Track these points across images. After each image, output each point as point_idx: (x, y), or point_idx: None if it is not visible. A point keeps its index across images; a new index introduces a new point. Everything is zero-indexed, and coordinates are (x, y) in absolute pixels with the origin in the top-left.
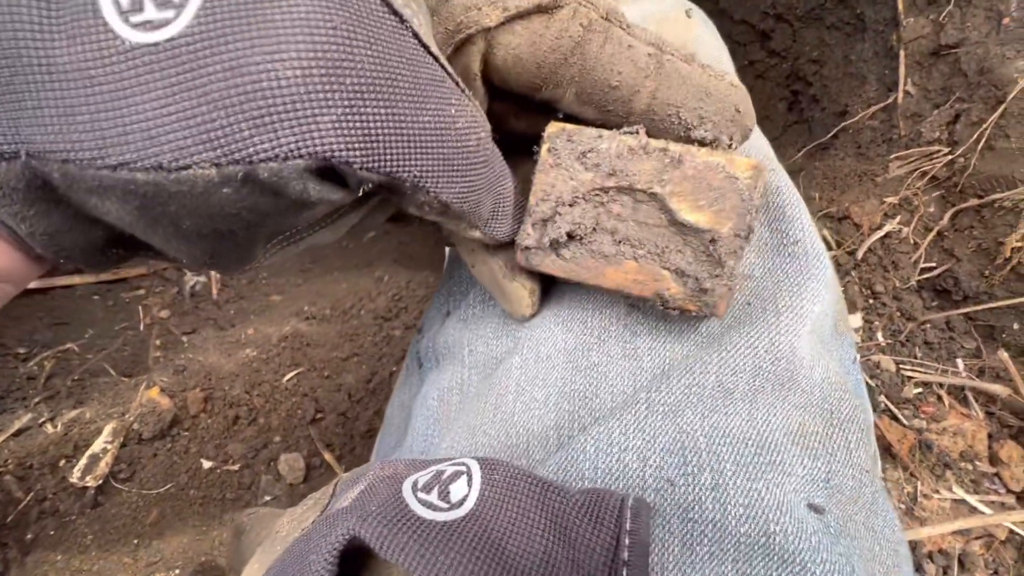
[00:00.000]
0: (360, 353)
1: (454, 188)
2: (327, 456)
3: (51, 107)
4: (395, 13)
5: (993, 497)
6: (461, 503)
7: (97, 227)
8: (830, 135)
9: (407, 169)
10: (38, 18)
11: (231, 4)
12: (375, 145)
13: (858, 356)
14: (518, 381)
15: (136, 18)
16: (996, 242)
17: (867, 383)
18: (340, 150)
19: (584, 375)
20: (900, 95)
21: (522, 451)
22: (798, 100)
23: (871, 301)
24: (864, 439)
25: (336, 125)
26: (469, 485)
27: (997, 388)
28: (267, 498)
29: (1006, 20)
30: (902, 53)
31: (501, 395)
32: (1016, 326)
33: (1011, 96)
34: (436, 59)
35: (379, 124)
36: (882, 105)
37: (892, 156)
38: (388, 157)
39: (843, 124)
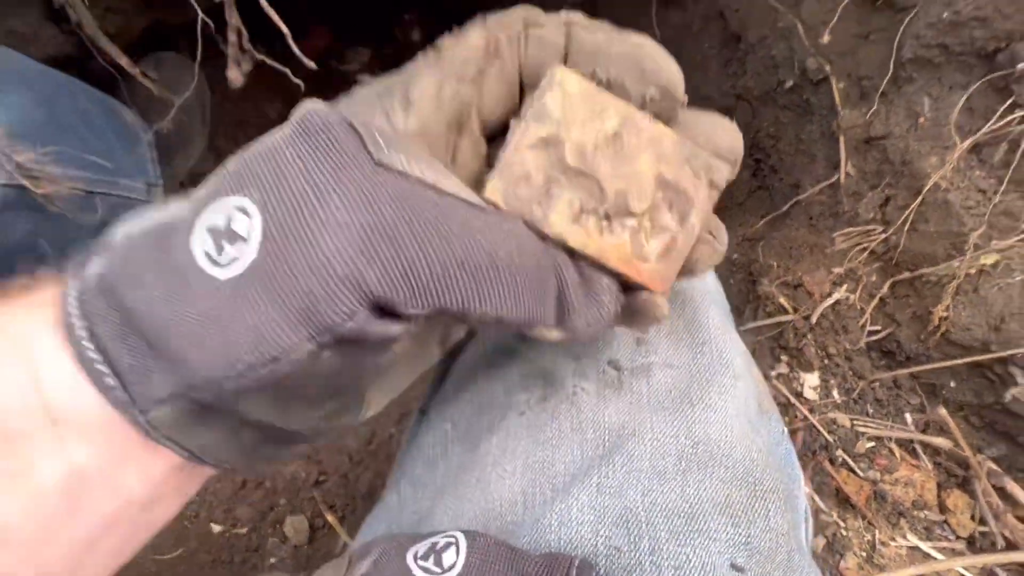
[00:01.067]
0: None
1: (495, 300)
2: (330, 518)
3: (189, 346)
4: (400, 174)
5: (944, 543)
6: (451, 567)
7: (247, 429)
8: (785, 208)
9: (444, 297)
10: (162, 283)
11: (282, 226)
12: (411, 284)
13: (785, 429)
14: (495, 456)
15: (221, 259)
16: (927, 311)
17: (825, 438)
18: (388, 294)
19: (542, 448)
20: (842, 175)
21: (497, 514)
22: (761, 168)
23: (826, 362)
24: (783, 506)
25: (379, 276)
26: (457, 553)
27: (940, 441)
28: (273, 560)
29: (921, 119)
30: (841, 139)
31: (483, 468)
32: (953, 384)
33: (926, 188)
34: (447, 194)
35: (410, 266)
36: (829, 183)
37: (837, 232)
38: (422, 291)
39: (796, 198)
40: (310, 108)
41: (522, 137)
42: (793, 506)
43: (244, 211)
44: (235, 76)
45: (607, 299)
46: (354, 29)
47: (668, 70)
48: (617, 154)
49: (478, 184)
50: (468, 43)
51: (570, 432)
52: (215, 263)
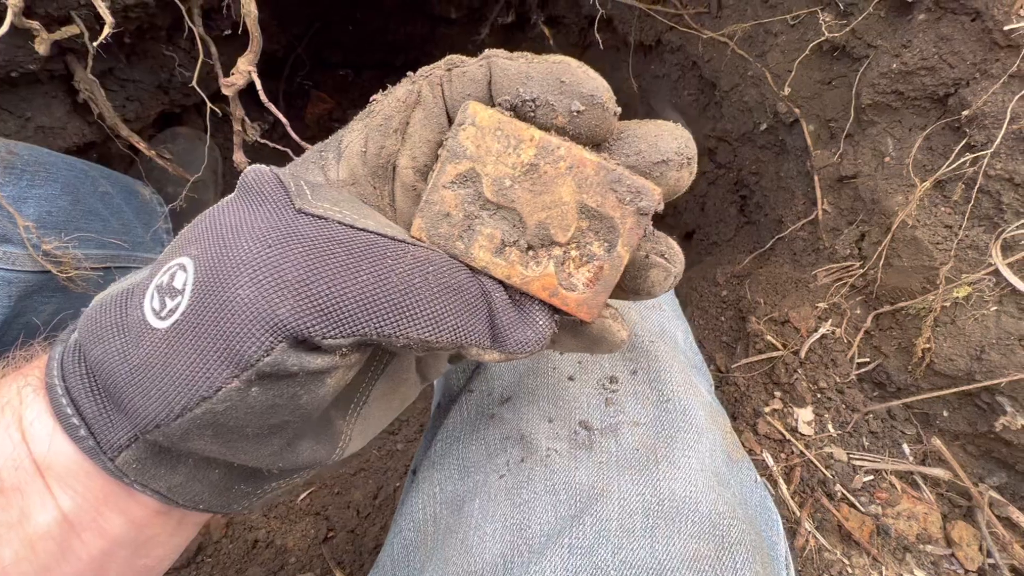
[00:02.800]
0: (366, 468)
1: (418, 324)
2: (338, 575)
3: (136, 393)
4: (319, 218)
5: None
6: None
7: (213, 468)
8: (769, 244)
9: (359, 326)
10: (119, 340)
11: (208, 275)
12: (324, 316)
13: (758, 476)
14: (477, 519)
15: (163, 312)
16: (911, 342)
17: (823, 473)
18: (301, 328)
19: (519, 510)
20: (820, 213)
21: (479, 574)
22: (747, 204)
23: (818, 396)
24: (751, 557)
25: (290, 312)
26: None
27: (939, 472)
28: None
29: (887, 159)
30: (816, 178)
31: (466, 531)
32: (945, 413)
33: (895, 226)
34: (366, 232)
35: (322, 300)
36: (809, 219)
37: (819, 268)
38: (336, 322)
39: (780, 235)
40: (250, 169)
41: (439, 176)
42: (770, 553)
43: (183, 267)
44: (240, 159)
45: (541, 320)
46: (354, 92)
47: (589, 80)
48: (536, 184)
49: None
50: (394, 96)
51: (544, 494)
52: (158, 316)
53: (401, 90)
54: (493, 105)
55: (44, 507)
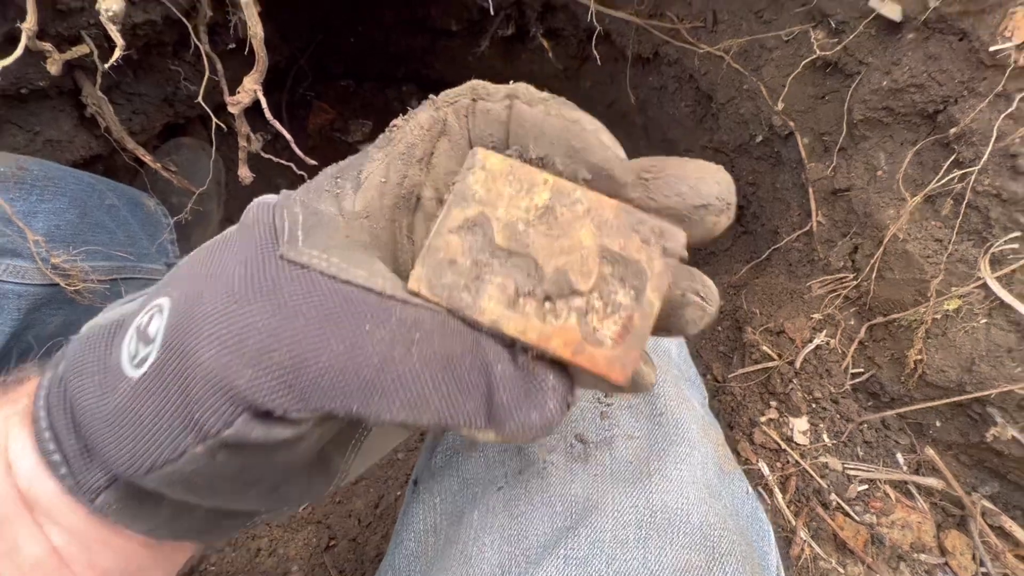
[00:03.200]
0: (367, 477)
1: (395, 405)
2: None
3: (108, 442)
4: (301, 266)
5: None
6: None
7: (195, 508)
8: (765, 255)
9: (324, 402)
10: (98, 379)
11: (178, 325)
12: (286, 390)
13: (750, 488)
14: (476, 530)
15: (137, 359)
16: (904, 353)
17: (818, 482)
18: (259, 401)
19: (517, 521)
20: (814, 224)
21: None
22: (744, 214)
23: (813, 406)
24: (741, 567)
25: (248, 383)
26: None
27: (932, 482)
28: None
29: (879, 172)
30: (810, 190)
31: (465, 542)
32: (938, 424)
33: (887, 239)
34: (348, 283)
35: (283, 371)
36: (804, 230)
37: (813, 279)
38: (299, 397)
39: (776, 245)
40: (256, 203)
41: (445, 220)
42: (761, 564)
43: (160, 310)
44: (245, 174)
45: (552, 402)
46: (356, 102)
47: (600, 149)
48: (552, 229)
49: None
50: (417, 123)
51: (541, 506)
52: (132, 363)
53: (424, 116)
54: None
55: (34, 540)
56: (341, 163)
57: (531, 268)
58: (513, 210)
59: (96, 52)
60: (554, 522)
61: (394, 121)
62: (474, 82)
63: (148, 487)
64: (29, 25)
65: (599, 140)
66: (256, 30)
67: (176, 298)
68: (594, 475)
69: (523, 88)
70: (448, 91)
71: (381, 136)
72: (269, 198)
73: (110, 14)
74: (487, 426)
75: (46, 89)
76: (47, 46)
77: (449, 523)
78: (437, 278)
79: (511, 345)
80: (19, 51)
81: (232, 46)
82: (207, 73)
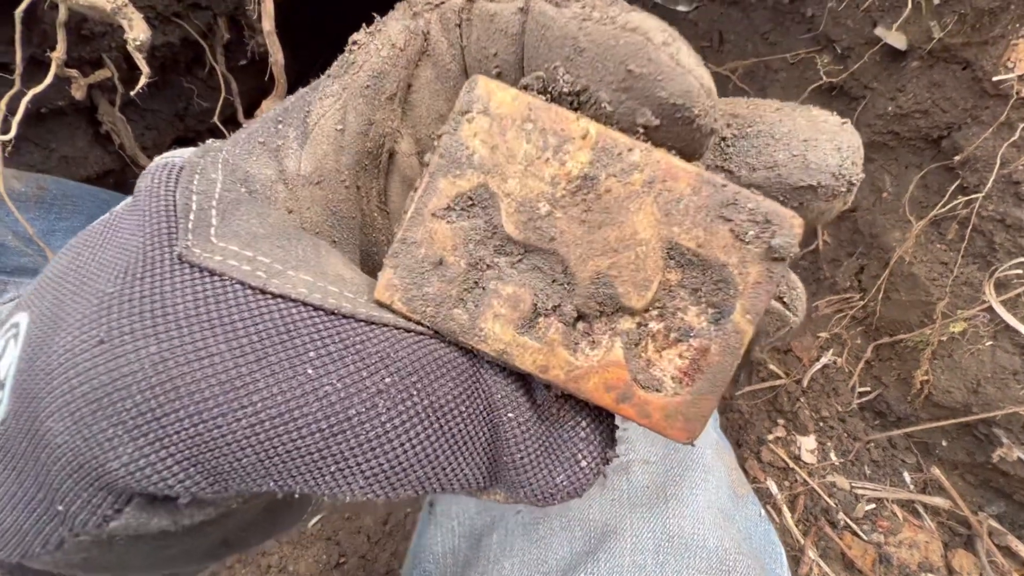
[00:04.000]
0: None
1: (356, 481)
2: None
3: None
4: (209, 273)
5: None
6: None
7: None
8: None
9: (245, 483)
10: None
11: (28, 368)
12: (193, 467)
13: (763, 511)
14: (496, 553)
15: None
16: (910, 373)
17: (826, 501)
18: (153, 487)
19: (536, 546)
20: (820, 243)
21: None
22: None
23: (821, 424)
24: None
25: (131, 465)
26: None
27: (939, 501)
28: None
29: (884, 194)
30: None
31: (485, 565)
32: (945, 443)
33: (893, 261)
34: (282, 297)
35: (180, 447)
36: (810, 248)
37: (820, 299)
38: (215, 476)
39: None
40: (155, 163)
41: (426, 197)
42: None
43: (16, 335)
44: None
45: (585, 458)
46: None
47: (677, 75)
48: (592, 211)
49: None
50: (386, 38)
51: (560, 530)
52: None
53: (396, 27)
54: (522, 67)
55: None
56: (285, 102)
57: (557, 272)
58: (532, 181)
59: (117, 75)
60: (573, 546)
61: (353, 35)
62: None
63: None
64: (59, 54)
65: (674, 60)
66: (277, 57)
67: (34, 318)
68: (612, 500)
69: None
70: None
71: (338, 59)
72: (176, 156)
73: (137, 43)
74: (495, 486)
75: (63, 107)
76: (74, 72)
77: (468, 546)
78: (416, 287)
79: (524, 376)
80: (49, 78)
81: (243, 62)
82: (223, 93)
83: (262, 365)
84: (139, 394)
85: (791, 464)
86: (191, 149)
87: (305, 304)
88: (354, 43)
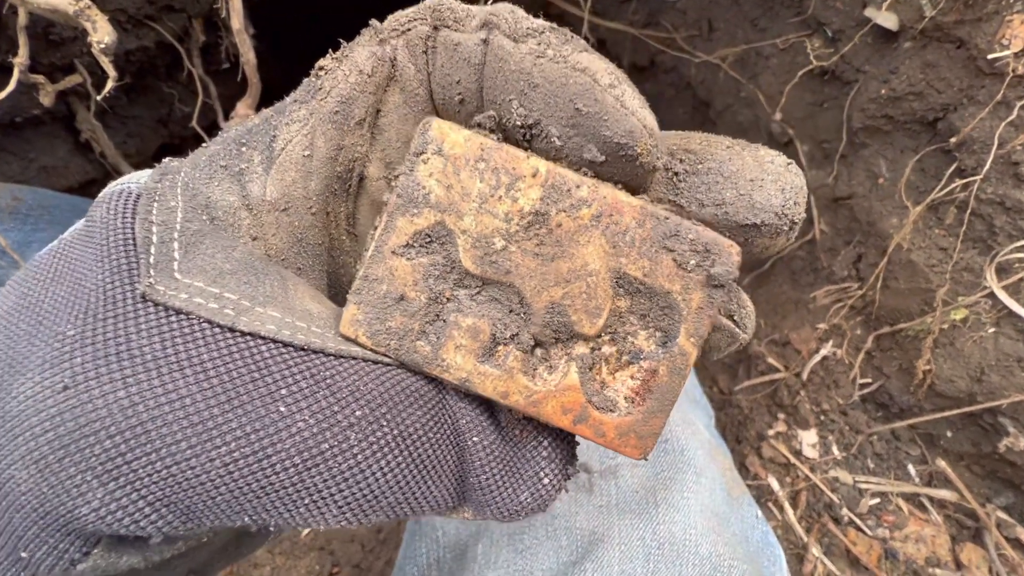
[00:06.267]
0: None
1: (329, 510)
2: None
3: None
4: (175, 312)
5: None
6: None
7: None
8: (768, 264)
9: (219, 517)
10: None
11: None
12: (164, 507)
13: (759, 512)
14: (481, 566)
15: None
16: (912, 363)
17: (829, 497)
18: (125, 530)
19: (522, 556)
20: (817, 232)
21: None
22: None
23: (822, 418)
24: None
25: (102, 509)
26: None
27: (945, 494)
28: None
29: (880, 180)
30: (812, 197)
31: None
32: (949, 434)
33: (890, 249)
34: (251, 335)
35: (152, 489)
36: (807, 238)
37: (817, 289)
38: (187, 514)
39: (779, 255)
40: (110, 189)
41: (386, 235)
42: None
43: None
44: None
45: (547, 475)
46: None
47: (621, 118)
48: (545, 245)
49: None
50: (353, 65)
51: (545, 539)
52: None
53: (363, 54)
54: (483, 97)
55: None
56: (248, 122)
57: (514, 303)
58: (487, 218)
59: (89, 80)
60: (559, 556)
61: (320, 61)
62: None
63: None
64: (21, 60)
65: (619, 102)
66: (248, 57)
67: None
68: (599, 506)
69: (507, 10)
70: (399, 12)
71: (303, 84)
72: (132, 181)
73: (102, 46)
74: (463, 505)
75: (40, 116)
76: (40, 78)
77: (453, 557)
78: (380, 321)
79: (487, 400)
80: (12, 85)
81: (226, 66)
82: (200, 96)
83: (234, 405)
84: (108, 440)
85: (792, 460)
86: (146, 172)
87: (275, 341)
88: (320, 68)
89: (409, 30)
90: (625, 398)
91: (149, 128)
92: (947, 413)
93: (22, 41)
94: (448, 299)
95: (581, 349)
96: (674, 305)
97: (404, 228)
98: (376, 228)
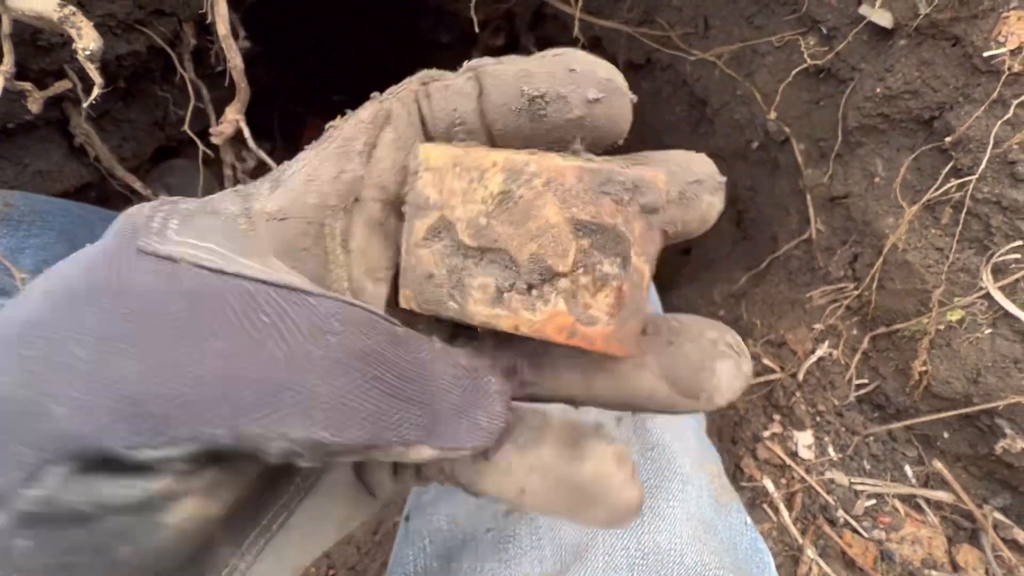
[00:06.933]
0: None
1: (308, 417)
2: None
3: None
4: (165, 259)
5: None
6: None
7: None
8: (765, 264)
9: (201, 422)
10: None
11: None
12: (138, 416)
13: (748, 518)
14: (466, 574)
15: None
16: (908, 364)
17: (824, 498)
18: (90, 436)
19: (506, 567)
20: (813, 232)
21: None
22: (743, 219)
23: (818, 419)
24: None
25: (73, 414)
26: None
27: (942, 495)
28: None
29: (876, 179)
30: (808, 196)
31: None
32: (946, 435)
33: (886, 249)
34: (237, 276)
35: (135, 388)
36: (803, 238)
37: (813, 289)
38: (161, 422)
39: (775, 253)
40: (129, 211)
41: (410, 236)
42: None
43: None
44: None
45: (496, 403)
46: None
47: (602, 66)
48: (515, 214)
49: (377, 269)
50: (357, 119)
51: (530, 550)
52: None
53: (366, 111)
54: (486, 121)
55: None
56: (269, 175)
57: (506, 261)
58: (471, 205)
59: (80, 86)
60: (544, 567)
61: (330, 123)
62: (424, 71)
63: None
64: (6, 68)
65: (597, 59)
66: (236, 62)
67: None
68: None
69: (482, 60)
70: (394, 86)
71: (314, 142)
72: (135, 208)
73: (87, 53)
74: (427, 439)
75: (34, 121)
76: (27, 86)
77: (439, 566)
78: (421, 295)
79: (509, 339)
80: None
81: (219, 69)
82: (192, 101)
83: (217, 318)
84: (86, 349)
85: (788, 461)
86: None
87: (260, 280)
88: (331, 126)
89: (402, 91)
90: (605, 313)
91: (145, 131)
92: (943, 414)
93: (7, 49)
94: (461, 269)
95: (563, 283)
96: (622, 235)
97: (419, 228)
98: (403, 234)
